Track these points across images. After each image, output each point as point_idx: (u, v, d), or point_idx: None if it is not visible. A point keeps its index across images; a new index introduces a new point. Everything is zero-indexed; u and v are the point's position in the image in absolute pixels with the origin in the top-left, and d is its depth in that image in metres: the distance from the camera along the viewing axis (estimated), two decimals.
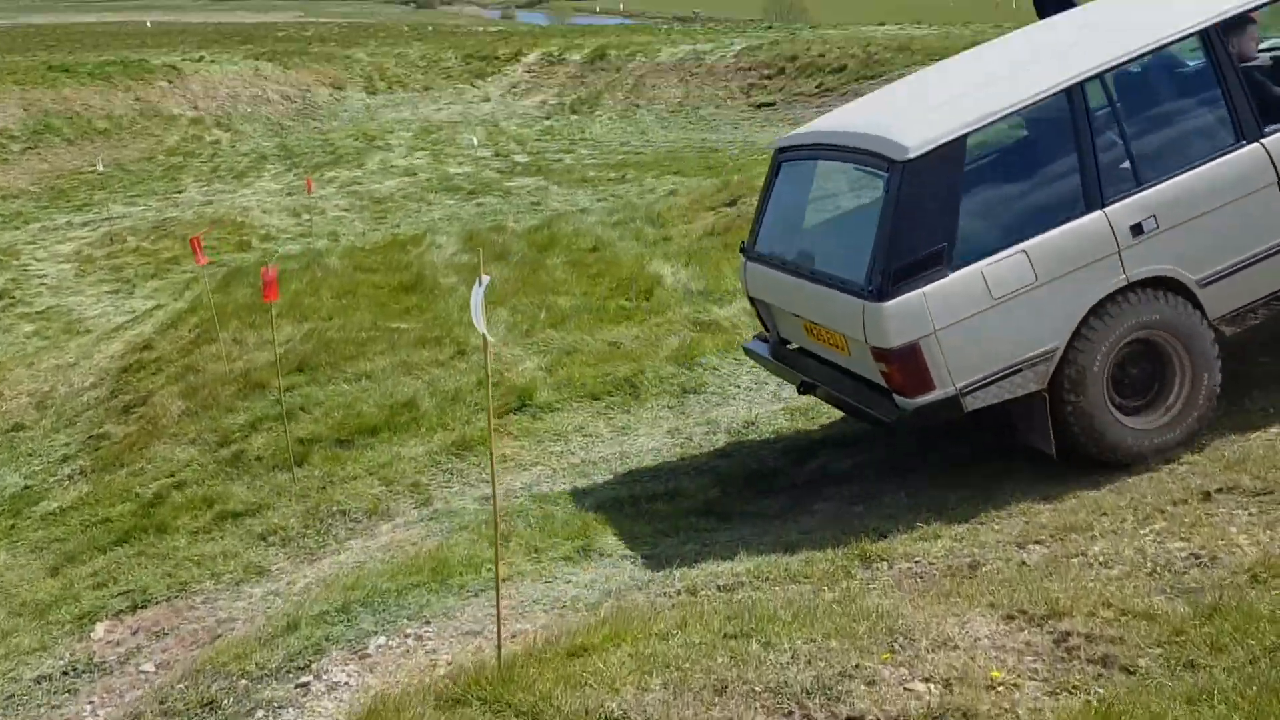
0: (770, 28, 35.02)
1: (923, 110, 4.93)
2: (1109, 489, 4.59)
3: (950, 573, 4.10)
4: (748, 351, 6.19)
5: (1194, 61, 4.93)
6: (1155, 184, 4.58)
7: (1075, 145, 4.57)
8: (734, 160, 18.05)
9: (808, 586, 4.25)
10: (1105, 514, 4.28)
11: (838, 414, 6.62)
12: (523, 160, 21.49)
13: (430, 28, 48.48)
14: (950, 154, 4.49)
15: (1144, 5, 5.41)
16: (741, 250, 5.80)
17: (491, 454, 3.85)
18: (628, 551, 5.19)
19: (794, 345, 5.64)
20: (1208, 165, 4.62)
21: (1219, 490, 4.13)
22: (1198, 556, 3.53)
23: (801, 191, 5.66)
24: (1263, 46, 5.45)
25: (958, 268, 4.44)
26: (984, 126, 4.62)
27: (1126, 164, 4.62)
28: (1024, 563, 4.02)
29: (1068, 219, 4.52)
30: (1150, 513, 4.15)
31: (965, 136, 4.53)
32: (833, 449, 6.20)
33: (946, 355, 4.43)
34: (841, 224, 5.59)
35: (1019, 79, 4.75)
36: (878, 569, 4.31)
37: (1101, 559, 3.77)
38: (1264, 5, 4.89)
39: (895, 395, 4.62)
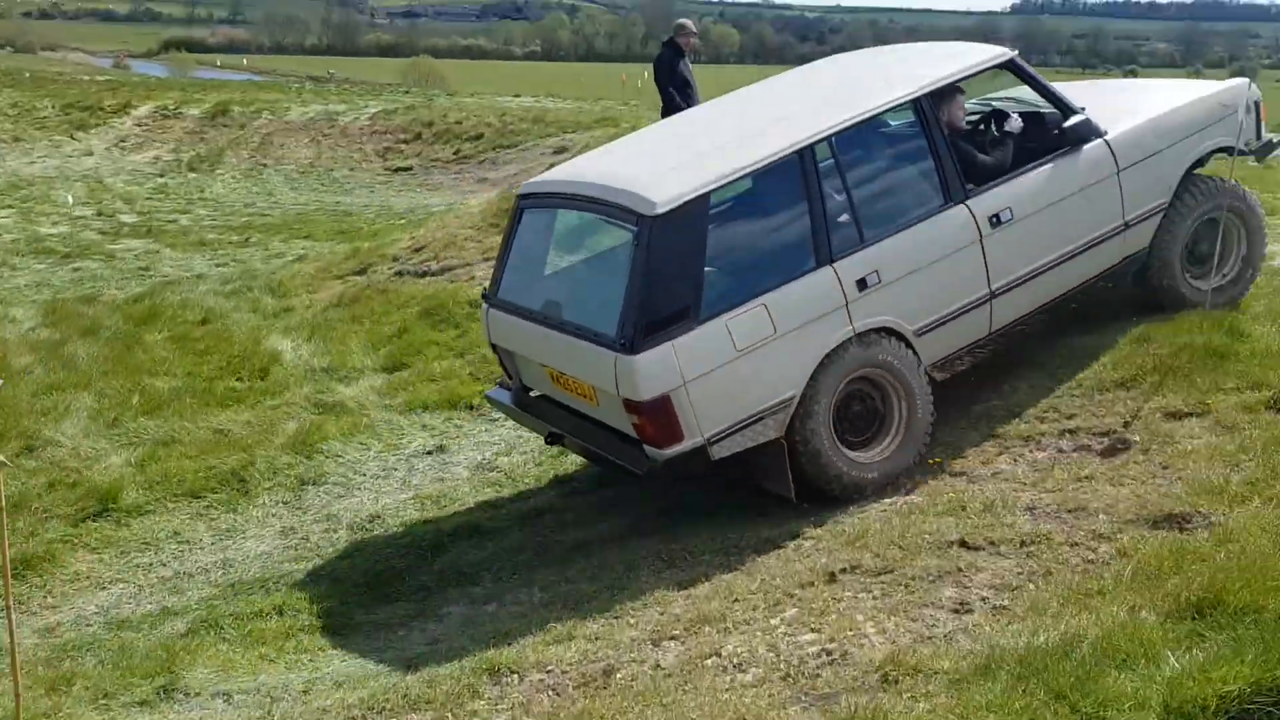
0: (407, 92, 34.59)
1: (666, 166, 5.01)
2: (741, 571, 4.49)
3: (584, 683, 3.76)
4: (489, 400, 5.99)
5: (909, 128, 5.24)
6: (877, 242, 4.91)
7: (807, 204, 4.81)
8: (370, 225, 17.31)
9: (429, 714, 3.74)
10: (737, 600, 4.13)
11: (470, 501, 6.20)
12: (131, 220, 19.41)
13: (27, 74, 43.44)
14: (696, 210, 4.63)
15: (863, 74, 5.82)
16: (483, 297, 5.68)
17: (10, 608, 3.02)
18: (221, 687, 4.41)
19: (537, 393, 5.53)
20: (921, 225, 5.01)
21: (843, 570, 4.09)
22: (829, 652, 3.41)
23: (544, 239, 5.64)
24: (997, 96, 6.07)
25: (704, 320, 4.58)
26: (726, 184, 4.79)
27: (851, 223, 4.92)
28: (659, 665, 3.75)
29: (801, 274, 4.77)
30: (780, 598, 4.03)
31: (709, 193, 4.69)
32: (465, 541, 5.75)
33: (695, 406, 4.53)
34: (589, 274, 5.62)
35: (755, 140, 4.94)
36: (507, 684, 3.89)
37: (735, 659, 3.57)
38: (969, 76, 5.38)
39: (646, 446, 4.65)
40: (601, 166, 5.40)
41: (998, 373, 6.15)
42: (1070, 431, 5.17)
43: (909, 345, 4.97)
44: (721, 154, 4.89)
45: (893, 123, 5.36)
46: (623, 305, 4.57)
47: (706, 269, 4.68)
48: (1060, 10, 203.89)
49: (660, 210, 4.54)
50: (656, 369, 4.45)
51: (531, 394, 5.58)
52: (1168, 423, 4.91)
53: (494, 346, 5.71)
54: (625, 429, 4.74)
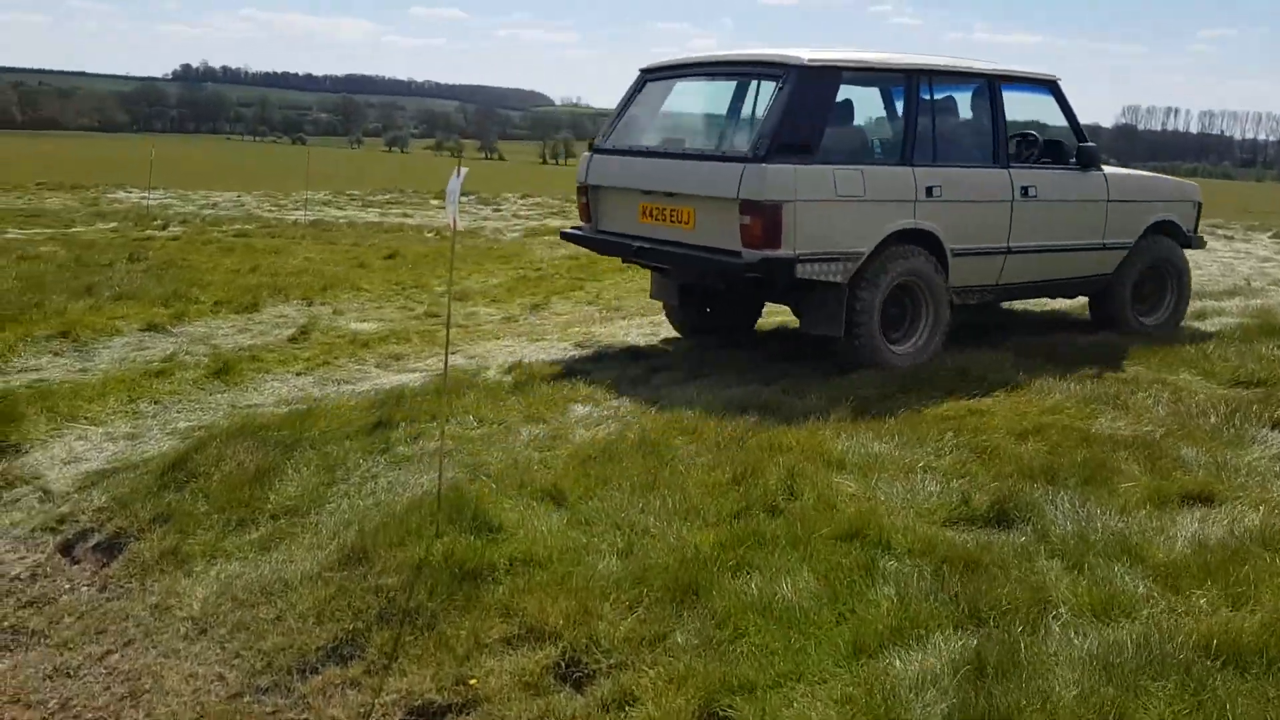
0: None
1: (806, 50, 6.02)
2: None
3: None
4: (565, 236, 7.06)
5: (980, 102, 6.57)
6: (944, 166, 6.22)
7: (904, 116, 6.16)
8: None
9: None
10: None
11: None
12: None
13: None
14: (829, 74, 5.85)
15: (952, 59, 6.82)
16: (590, 147, 6.77)
17: None
18: None
19: (613, 230, 6.57)
20: (977, 169, 6.42)
21: None
22: None
23: (664, 102, 6.80)
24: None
25: (819, 163, 5.68)
26: (854, 69, 6.16)
27: (930, 144, 6.20)
28: None
29: (890, 163, 6.09)
30: None
31: (841, 69, 5.95)
32: None
33: (798, 222, 5.57)
34: (716, 121, 6.81)
35: (879, 54, 6.39)
36: None
37: None
38: (1026, 79, 6.90)
39: (744, 250, 5.62)
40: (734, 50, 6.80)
41: None
42: None
43: (944, 263, 6.14)
44: (852, 50, 6.27)
45: (970, 94, 6.60)
46: (759, 130, 5.75)
47: (828, 127, 5.86)
48: (223, 79, 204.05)
49: (805, 63, 5.77)
50: (779, 179, 5.51)
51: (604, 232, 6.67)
52: None
53: (584, 189, 6.72)
54: (722, 243, 5.77)
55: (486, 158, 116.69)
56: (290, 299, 8.65)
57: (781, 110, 5.63)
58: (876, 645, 2.89)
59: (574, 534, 3.72)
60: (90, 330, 7.20)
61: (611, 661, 2.99)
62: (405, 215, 17.57)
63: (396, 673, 3.14)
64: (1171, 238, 7.43)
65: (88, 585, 4.06)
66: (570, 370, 6.00)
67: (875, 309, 5.86)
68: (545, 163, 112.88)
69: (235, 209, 17.68)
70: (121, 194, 19.61)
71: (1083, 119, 7.19)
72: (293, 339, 7.21)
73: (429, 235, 14.21)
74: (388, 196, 21.52)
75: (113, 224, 14.15)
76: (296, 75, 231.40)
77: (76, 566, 4.20)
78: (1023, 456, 4.40)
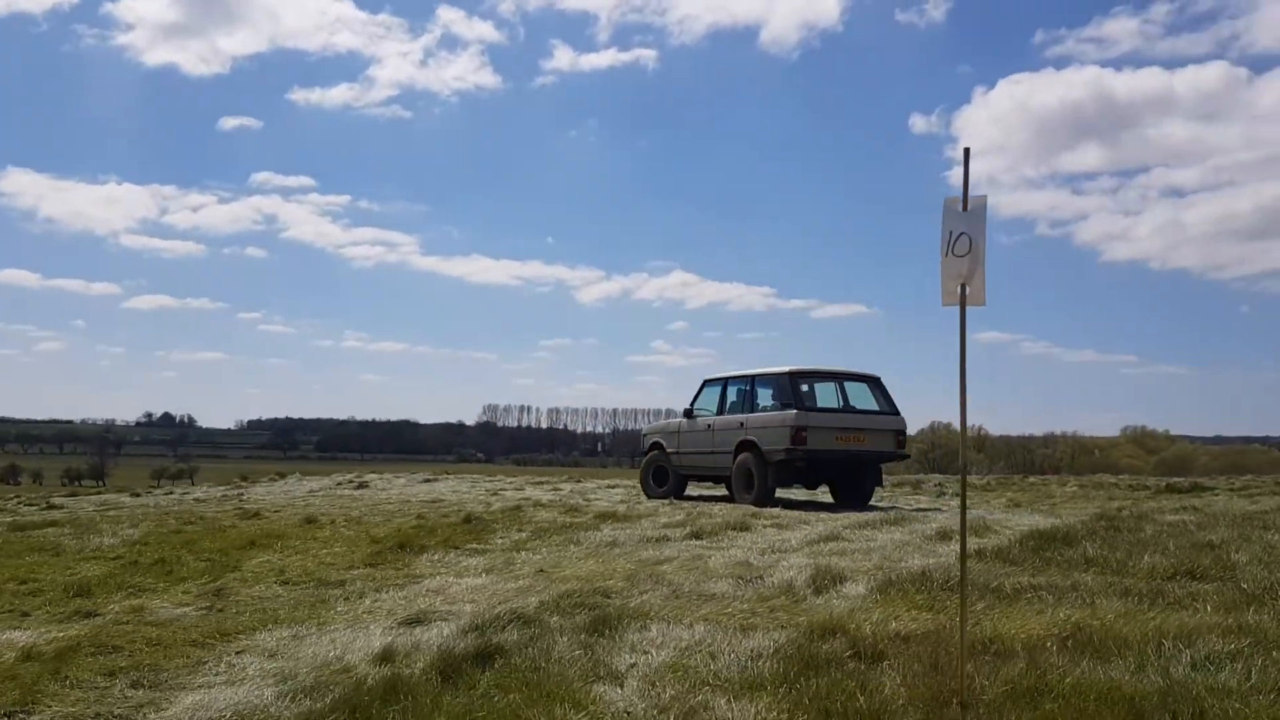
0: None
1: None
2: None
3: None
4: (801, 450, 12.79)
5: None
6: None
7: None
8: None
9: None
10: None
11: None
12: None
13: None
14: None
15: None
16: (803, 408, 12.92)
17: None
18: None
19: (821, 449, 12.90)
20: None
21: None
22: None
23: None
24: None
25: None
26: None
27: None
28: None
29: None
30: None
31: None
32: None
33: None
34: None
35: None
36: None
37: None
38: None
39: (896, 450, 13.25)
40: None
41: None
42: None
43: None
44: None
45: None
46: (880, 406, 13.33)
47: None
48: None
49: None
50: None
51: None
52: None
53: (804, 429, 12.67)
54: (883, 449, 13.16)
55: None
56: None
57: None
58: None
59: None
60: None
61: None
62: None
63: None
64: None
65: None
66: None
67: None
68: None
69: None
70: None
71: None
72: None
73: None
74: None
75: None
76: None
77: None
78: None
